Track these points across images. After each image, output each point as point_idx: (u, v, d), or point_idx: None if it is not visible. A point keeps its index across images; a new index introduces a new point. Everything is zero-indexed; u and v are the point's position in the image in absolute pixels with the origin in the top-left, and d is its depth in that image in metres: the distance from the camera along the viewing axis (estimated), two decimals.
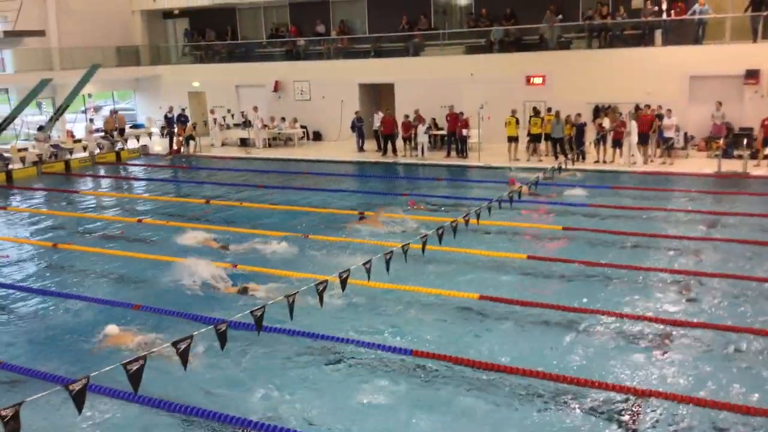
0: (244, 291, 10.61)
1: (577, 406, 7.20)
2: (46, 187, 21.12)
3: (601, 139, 20.26)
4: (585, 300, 9.88)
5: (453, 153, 22.87)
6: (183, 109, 27.64)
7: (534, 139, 21.45)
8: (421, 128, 22.85)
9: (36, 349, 9.07)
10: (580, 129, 20.69)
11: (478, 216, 11.42)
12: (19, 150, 24.23)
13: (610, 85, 21.89)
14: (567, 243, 13.05)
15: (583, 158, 20.41)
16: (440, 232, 10.27)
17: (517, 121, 21.35)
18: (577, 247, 12.64)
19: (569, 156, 19.77)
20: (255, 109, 26.90)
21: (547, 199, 16.23)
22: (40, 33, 22.62)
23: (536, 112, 21.46)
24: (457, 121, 22.39)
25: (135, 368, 5.63)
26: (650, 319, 9.18)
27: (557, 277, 11.15)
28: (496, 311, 9.72)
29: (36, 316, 10.19)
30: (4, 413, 5.00)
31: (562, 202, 16.04)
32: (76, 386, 5.29)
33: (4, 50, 26.38)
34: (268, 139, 27.23)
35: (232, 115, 28.45)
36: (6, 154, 23.38)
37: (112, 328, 9.21)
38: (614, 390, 7.38)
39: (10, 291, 11.22)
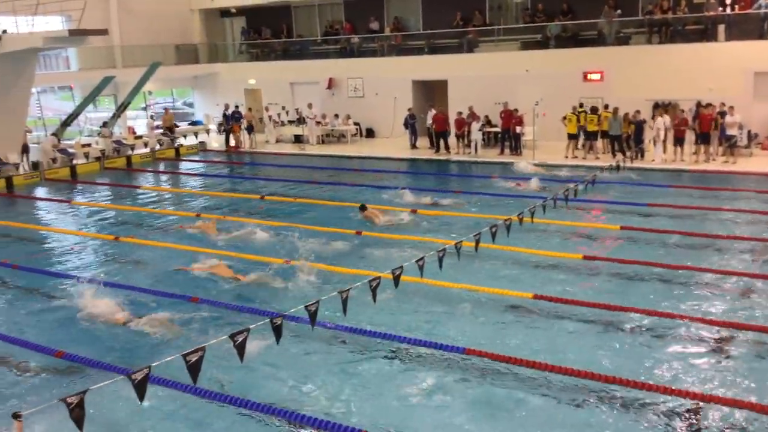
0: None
1: (630, 408, 7.05)
2: (109, 181, 21.77)
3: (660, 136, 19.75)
4: (642, 301, 9.67)
5: (507, 150, 22.64)
6: (237, 107, 28.13)
7: (590, 136, 21.08)
8: (475, 125, 22.71)
9: (97, 340, 9.37)
10: (639, 126, 20.21)
11: (532, 214, 11.30)
12: (83, 146, 25.07)
13: (671, 82, 21.32)
14: (624, 243, 12.77)
15: (642, 156, 19.96)
16: (494, 230, 10.20)
17: (579, 118, 20.98)
18: (634, 248, 12.37)
19: (627, 154, 19.39)
20: (309, 106, 27.19)
21: (605, 198, 15.91)
22: (103, 32, 23.26)
23: (593, 109, 21.07)
24: (511, 118, 22.17)
25: (194, 359, 5.76)
26: (709, 322, 8.93)
27: (613, 277, 10.93)
28: (551, 311, 9.60)
29: (100, 308, 10.50)
30: (69, 401, 5.19)
31: (620, 201, 15.70)
32: (138, 375, 5.45)
33: (69, 48, 27.28)
34: (322, 135, 27.47)
35: (287, 112, 28.81)
36: (70, 150, 24.19)
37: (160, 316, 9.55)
38: (670, 393, 7.19)
39: (74, 282, 11.60)
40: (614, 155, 20.09)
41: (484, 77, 24.47)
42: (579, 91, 22.68)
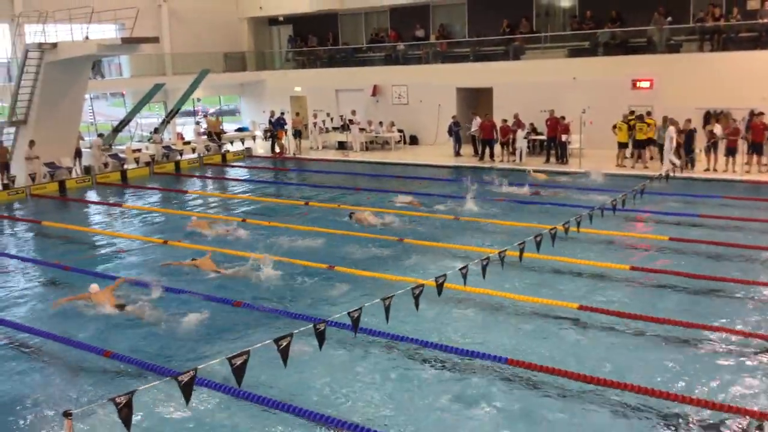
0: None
1: (673, 424, 6.87)
2: (158, 186, 22.23)
3: (712, 146, 19.29)
4: (690, 314, 9.42)
5: (552, 159, 22.39)
6: (282, 113, 28.50)
7: (639, 145, 20.70)
8: (520, 133, 22.52)
9: (144, 340, 9.55)
10: (690, 135, 19.76)
11: (578, 224, 11.13)
12: (134, 151, 25.67)
13: (723, 90, 20.79)
14: (673, 254, 12.48)
15: (692, 166, 19.51)
16: (538, 239, 10.08)
17: (630, 126, 20.61)
18: (684, 259, 12.08)
19: (677, 163, 18.98)
20: (353, 113, 27.38)
21: (653, 208, 15.59)
22: (155, 40, 23.79)
23: (642, 117, 20.70)
24: (557, 125, 21.91)
25: (239, 362, 5.82)
26: (761, 337, 8.65)
27: (662, 289, 10.69)
28: (596, 322, 9.43)
29: (144, 309, 10.71)
30: (118, 400, 5.29)
31: (670, 211, 15.37)
32: (185, 378, 5.53)
33: (121, 56, 28.01)
34: (366, 142, 27.59)
35: (332, 119, 29.03)
36: (121, 155, 24.79)
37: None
38: (719, 409, 6.97)
39: (126, 286, 11.86)
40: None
41: (530, 84, 24.27)
42: (627, 99, 22.32)
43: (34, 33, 21.84)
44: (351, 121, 27.37)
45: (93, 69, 28.25)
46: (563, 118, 21.91)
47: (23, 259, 13.90)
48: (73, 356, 9.07)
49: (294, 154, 27.26)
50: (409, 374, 8.22)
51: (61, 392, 8.13)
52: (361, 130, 27.37)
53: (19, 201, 20.49)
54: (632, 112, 21.09)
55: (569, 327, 9.39)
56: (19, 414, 7.67)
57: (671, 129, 19.47)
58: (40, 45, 21.04)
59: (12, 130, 22.27)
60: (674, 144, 19.41)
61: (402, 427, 7.07)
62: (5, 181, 21.22)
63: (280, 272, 11.96)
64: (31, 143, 21.45)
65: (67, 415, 5.29)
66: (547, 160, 22.35)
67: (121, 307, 10.49)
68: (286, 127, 27.91)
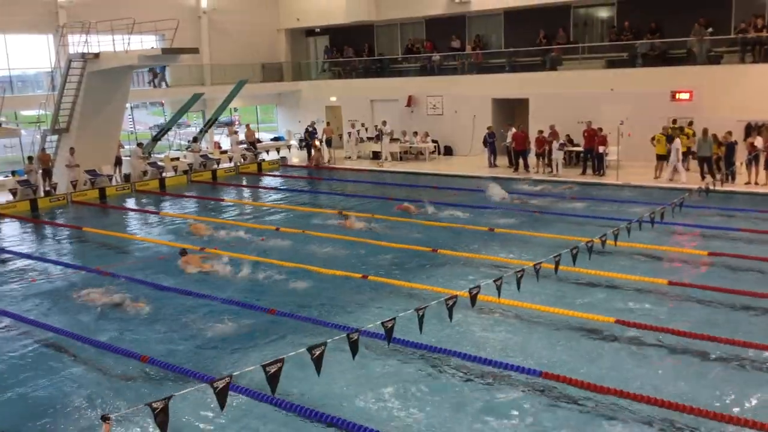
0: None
1: None
2: (195, 194, 22.56)
3: (753, 159, 18.90)
4: (729, 330, 9.20)
5: (589, 170, 22.15)
6: (313, 123, 28.78)
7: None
8: (556, 144, 22.34)
9: (181, 345, 9.68)
10: (731, 148, 19.39)
11: (616, 237, 10.98)
12: (172, 159, 26.11)
13: (764, 102, 20.37)
14: (713, 269, 12.24)
15: (733, 179, 19.12)
16: (575, 251, 9.98)
17: (668, 138, 20.30)
18: (723, 274, 11.82)
19: (717, 176, 18.64)
20: (383, 123, 27.55)
21: (692, 222, 15.30)
22: (195, 50, 24.24)
23: (681, 129, 20.38)
24: (594, 137, 21.69)
25: (274, 370, 5.86)
26: None
27: (700, 304, 10.48)
28: (633, 337, 9.27)
29: (181, 316, 10.88)
30: (155, 405, 5.36)
31: (709, 225, 15.07)
32: (220, 384, 5.59)
33: (161, 66, 28.55)
34: (400, 152, 27.64)
35: (366, 129, 29.17)
36: (160, 163, 25.23)
37: None
38: (760, 429, 6.80)
39: (161, 291, 12.06)
40: (703, 177, 19.33)
41: (566, 95, 24.09)
42: (666, 110, 22.01)
43: (77, 43, 22.42)
44: (380, 131, 27.55)
45: (156, 77, 29.03)
46: (600, 129, 21.68)
47: (65, 265, 14.20)
48: (111, 360, 9.22)
49: (327, 163, 27.42)
50: (440, 385, 8.18)
51: (98, 396, 8.26)
52: (394, 140, 27.45)
53: (60, 207, 20.97)
54: (674, 121, 20.78)
55: (605, 341, 9.25)
56: (57, 417, 7.82)
57: (677, 141, 19.64)
58: (83, 55, 21.59)
59: (54, 137, 22.83)
60: (680, 156, 19.64)
61: None
62: (47, 188, 21.74)
63: (313, 281, 12.04)
64: (72, 151, 21.97)
65: (105, 419, 5.38)
66: (584, 172, 22.12)
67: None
68: (316, 136, 28.15)
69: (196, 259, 13.55)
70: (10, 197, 20.87)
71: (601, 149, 21.57)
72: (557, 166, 22.31)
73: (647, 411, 7.29)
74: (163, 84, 29.47)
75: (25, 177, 21.54)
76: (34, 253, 15.62)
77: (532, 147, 23.07)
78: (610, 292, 11.17)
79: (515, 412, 7.49)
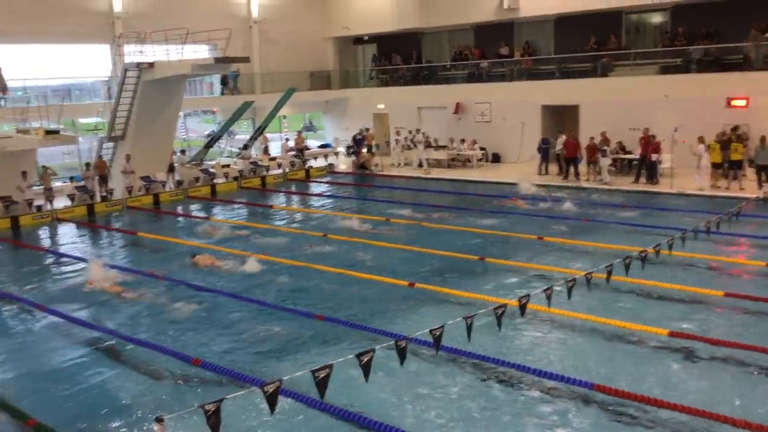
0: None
1: None
2: (245, 200, 22.90)
3: None
4: None
5: (642, 179, 21.70)
6: (362, 131, 28.99)
7: (733, 165, 19.79)
8: (609, 151, 21.98)
9: (230, 350, 9.82)
10: None
11: (670, 247, 10.74)
12: (223, 166, 26.58)
13: None
14: None
15: None
16: (627, 261, 9.79)
17: (723, 146, 19.76)
18: None
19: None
20: (417, 131, 27.72)
21: (750, 232, 14.84)
22: (246, 59, 24.67)
23: (737, 136, 19.82)
24: (648, 144, 21.25)
25: (322, 375, 5.91)
26: None
27: (757, 316, 10.15)
28: (687, 350, 9.04)
29: (231, 319, 11.04)
30: (207, 408, 5.45)
31: (767, 235, 14.60)
32: (270, 388, 5.65)
33: (214, 75, 29.14)
34: (447, 160, 27.59)
35: (413, 136, 29.16)
36: (211, 170, 25.71)
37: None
38: None
39: (212, 295, 12.27)
40: (761, 186, 18.75)
41: (618, 102, 23.69)
42: (721, 117, 21.45)
43: (132, 53, 23.04)
44: (413, 139, 27.60)
45: (226, 85, 29.75)
46: (653, 136, 21.24)
47: (120, 268, 14.55)
48: (163, 362, 9.41)
49: (374, 168, 27.47)
50: (488, 395, 8.11)
51: (151, 397, 8.44)
52: (440, 147, 27.42)
53: (116, 212, 21.56)
54: (735, 128, 20.19)
55: (658, 354, 9.04)
56: (111, 417, 8.01)
57: (700, 147, 19.35)
58: (138, 64, 22.18)
59: (111, 145, 23.49)
60: (703, 162, 19.41)
61: None
62: (104, 193, 22.37)
63: (360, 288, 12.10)
64: (128, 158, 22.55)
65: (159, 420, 5.49)
66: (637, 180, 21.66)
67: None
68: (364, 143, 28.32)
69: (205, 259, 14.56)
70: (69, 202, 21.54)
71: (654, 157, 21.12)
72: (605, 173, 21.87)
73: (702, 425, 7.08)
74: (235, 92, 30.12)
75: (82, 183, 22.24)
76: (90, 256, 16.05)
77: (583, 154, 22.73)
78: (664, 303, 10.90)
79: (565, 425, 7.37)
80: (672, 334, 9.33)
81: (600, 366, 8.73)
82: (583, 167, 22.86)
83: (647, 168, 21.49)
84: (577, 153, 22.78)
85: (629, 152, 22.88)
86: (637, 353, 9.11)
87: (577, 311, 10.03)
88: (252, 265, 13.72)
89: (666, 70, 24.16)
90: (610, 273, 9.58)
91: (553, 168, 24.11)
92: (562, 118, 26.28)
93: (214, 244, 16.41)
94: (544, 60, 27.97)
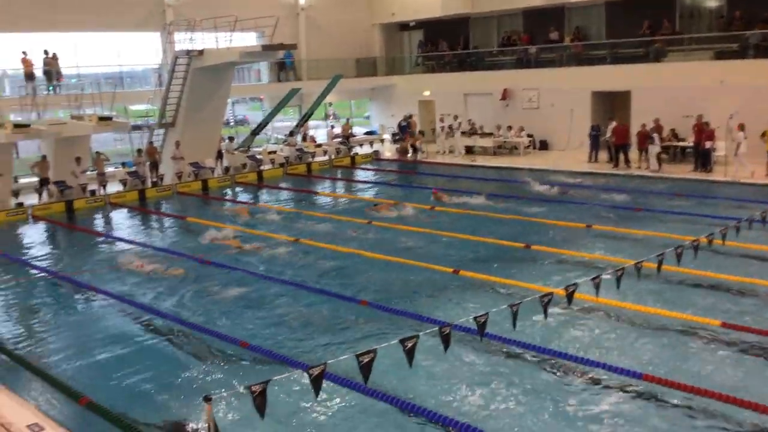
0: None
1: None
2: (290, 186, 23.10)
3: None
4: None
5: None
6: (407, 117, 28.89)
7: None
8: (655, 137, 21.43)
9: (276, 334, 9.94)
10: None
11: (724, 236, 10.42)
12: (269, 153, 26.85)
13: None
14: None
15: None
16: (679, 251, 9.53)
17: None
18: None
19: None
20: (455, 117, 27.43)
21: None
22: (293, 46, 24.81)
23: None
24: (702, 132, 20.64)
25: (366, 360, 5.92)
26: None
27: None
28: (741, 341, 8.79)
29: (277, 303, 11.18)
30: (253, 389, 5.53)
31: None
32: (315, 371, 5.69)
33: (262, 62, 29.39)
34: (494, 147, 27.31)
35: (459, 123, 28.94)
36: (258, 156, 25.99)
37: None
38: None
39: (259, 279, 12.43)
40: None
41: (671, 88, 23.05)
42: None
43: (182, 41, 23.38)
44: (450, 126, 27.36)
45: (283, 70, 30.16)
46: (707, 124, 20.63)
47: (170, 252, 14.85)
48: (212, 343, 9.59)
49: (417, 156, 27.33)
50: (534, 383, 8.03)
51: (199, 378, 8.62)
52: (484, 134, 27.32)
53: (166, 198, 22.00)
54: None
55: (710, 345, 8.81)
56: (161, 397, 8.21)
57: (740, 134, 19.01)
58: (188, 52, 22.51)
59: (161, 131, 23.94)
60: (741, 149, 19.00)
61: None
62: (154, 179, 22.84)
63: (405, 273, 12.10)
64: (178, 144, 22.95)
65: (207, 399, 5.59)
66: (695, 168, 21.00)
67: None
68: (408, 131, 28.22)
69: (231, 242, 15.17)
70: (120, 187, 22.07)
71: (708, 144, 20.52)
72: (656, 161, 21.31)
73: (754, 419, 6.89)
74: (291, 76, 30.37)
75: (134, 169, 22.74)
76: (141, 239, 16.43)
77: (632, 141, 22.21)
78: (717, 293, 10.62)
79: (613, 415, 7.25)
80: (725, 325, 9.09)
81: (649, 356, 8.56)
82: (634, 154, 22.33)
83: (701, 156, 20.89)
84: (627, 140, 22.26)
85: (682, 140, 22.28)
86: (688, 343, 8.90)
87: (627, 301, 9.84)
88: (296, 250, 13.84)
89: (721, 55, 23.40)
90: (660, 262, 9.35)
91: (603, 155, 23.64)
92: (612, 104, 25.72)
93: (258, 228, 16.60)
94: (594, 45, 27.38)
